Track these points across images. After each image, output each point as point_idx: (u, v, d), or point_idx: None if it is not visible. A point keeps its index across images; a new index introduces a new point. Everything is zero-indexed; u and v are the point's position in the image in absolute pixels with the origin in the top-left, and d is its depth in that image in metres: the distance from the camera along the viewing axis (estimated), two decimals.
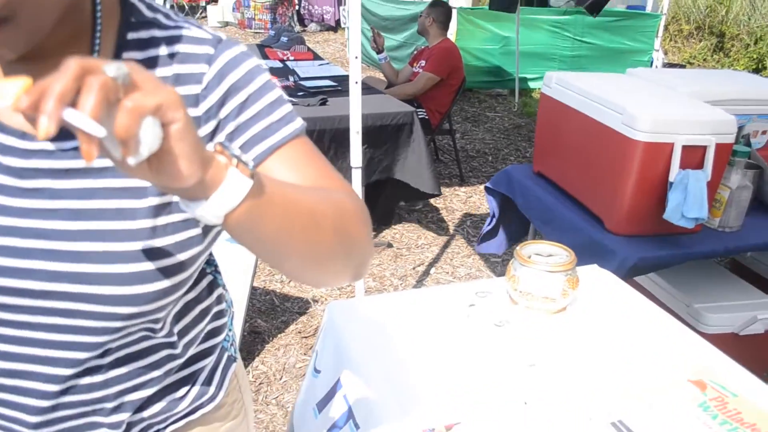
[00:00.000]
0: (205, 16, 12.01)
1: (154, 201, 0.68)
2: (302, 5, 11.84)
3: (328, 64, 4.77)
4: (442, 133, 4.72)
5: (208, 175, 0.52)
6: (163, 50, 0.69)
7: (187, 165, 0.49)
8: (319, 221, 0.63)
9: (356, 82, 2.23)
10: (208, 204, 0.53)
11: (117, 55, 0.68)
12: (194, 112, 0.69)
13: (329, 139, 3.24)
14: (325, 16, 11.46)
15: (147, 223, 0.68)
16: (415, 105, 4.02)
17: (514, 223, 2.69)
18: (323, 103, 3.47)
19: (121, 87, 0.46)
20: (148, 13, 0.71)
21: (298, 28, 11.29)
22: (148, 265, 0.68)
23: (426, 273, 3.31)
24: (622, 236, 2.05)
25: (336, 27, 11.36)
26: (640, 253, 1.97)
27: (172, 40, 0.70)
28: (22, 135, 0.66)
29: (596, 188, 2.15)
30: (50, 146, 0.66)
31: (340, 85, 3.94)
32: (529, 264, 1.57)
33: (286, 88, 3.78)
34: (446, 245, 3.62)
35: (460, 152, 4.89)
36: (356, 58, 2.23)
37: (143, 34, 0.69)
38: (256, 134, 0.70)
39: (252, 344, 2.69)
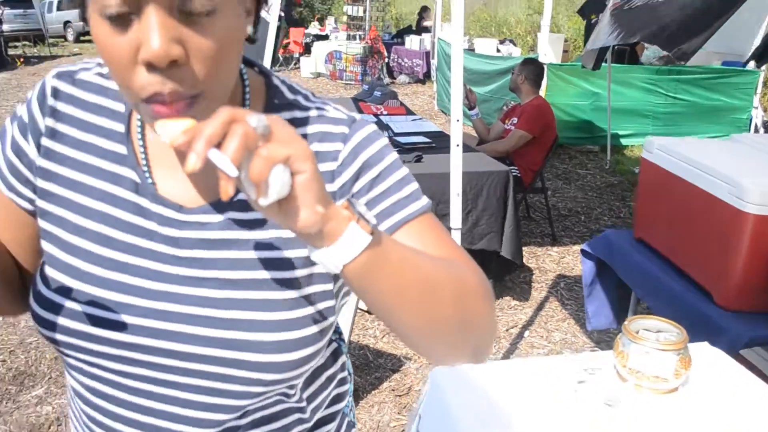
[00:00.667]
0: (299, 67, 12.53)
1: (298, 273, 0.73)
2: (392, 57, 12.18)
3: (420, 119, 4.88)
4: (534, 190, 4.71)
5: (329, 226, 0.57)
6: (303, 130, 0.75)
7: (309, 214, 0.56)
8: (436, 289, 0.66)
9: (457, 145, 2.30)
10: (327, 252, 0.58)
11: None
12: (330, 187, 0.73)
13: (427, 196, 3.30)
14: (414, 69, 11.72)
15: (291, 294, 0.73)
16: (507, 162, 4.05)
17: (612, 290, 2.65)
18: (418, 160, 3.55)
19: (260, 136, 0.53)
20: (289, 95, 0.78)
21: (387, 80, 11.59)
22: (292, 334, 0.73)
23: (520, 336, 3.28)
24: (733, 312, 1.98)
25: (425, 79, 11.59)
26: (754, 330, 1.90)
27: (311, 121, 0.76)
28: (179, 208, 0.73)
29: (704, 260, 2.09)
30: (203, 218, 0.73)
31: (434, 142, 4.02)
32: (639, 341, 1.54)
33: None
34: (540, 307, 3.58)
35: (551, 210, 4.85)
36: (458, 121, 2.30)
37: (286, 114, 0.75)
38: (386, 209, 0.74)
39: None
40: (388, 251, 0.61)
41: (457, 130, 2.29)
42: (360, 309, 2.80)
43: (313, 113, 0.76)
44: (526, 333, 3.31)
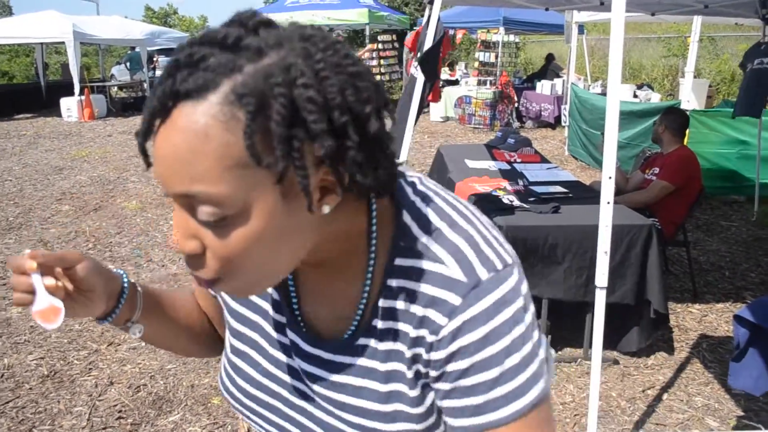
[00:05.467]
0: (428, 112, 12.76)
1: (390, 387, 0.77)
2: (521, 102, 12.13)
3: (555, 167, 4.82)
4: (675, 243, 4.48)
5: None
6: (415, 285, 0.73)
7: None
8: None
9: (608, 202, 2.25)
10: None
11: (385, 279, 0.75)
12: (425, 355, 0.73)
13: (563, 250, 3.25)
14: (543, 113, 11.61)
15: (385, 407, 0.78)
16: (646, 214, 3.89)
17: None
18: (555, 210, 3.50)
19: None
20: (418, 236, 0.74)
21: (516, 124, 11.54)
22: None
23: (658, 398, 3.10)
24: None
25: (555, 124, 11.43)
26: None
27: (427, 277, 0.72)
28: (315, 342, 0.83)
29: None
30: (328, 355, 0.82)
31: (571, 192, 3.95)
32: None
33: (516, 193, 3.88)
34: (680, 369, 3.37)
35: (692, 264, 4.59)
36: (610, 178, 2.26)
37: (409, 261, 0.73)
38: (467, 407, 0.71)
39: None
40: None
41: (609, 186, 2.25)
42: None
43: (434, 267, 0.72)
44: (665, 396, 3.13)
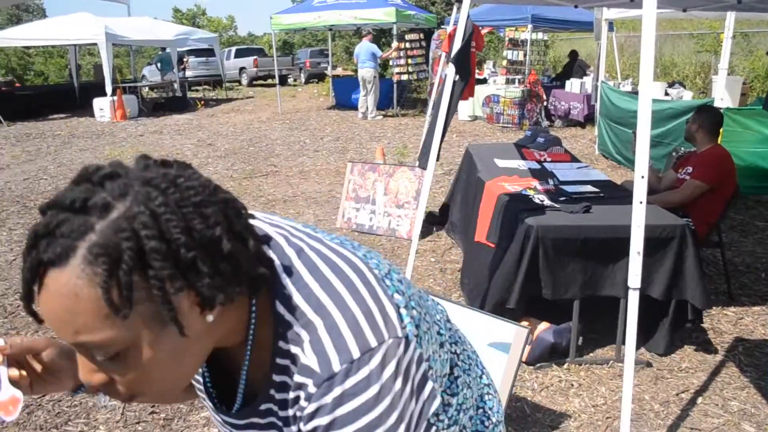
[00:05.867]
0: (456, 112, 12.71)
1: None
2: (550, 101, 12.02)
3: (586, 167, 4.77)
4: (709, 244, 4.40)
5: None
6: (292, 374, 0.82)
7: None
8: None
9: (641, 202, 2.22)
10: None
11: (270, 372, 0.84)
12: (298, 426, 0.84)
13: (594, 250, 3.22)
14: (572, 112, 11.49)
15: None
16: (679, 214, 3.83)
17: None
18: (587, 210, 3.46)
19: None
20: (290, 326, 0.82)
21: (545, 123, 11.44)
22: None
23: (692, 402, 3.05)
24: None
25: (584, 123, 11.31)
26: None
27: (300, 366, 0.81)
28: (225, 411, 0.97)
29: None
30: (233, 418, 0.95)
31: (603, 192, 3.90)
32: None
33: (546, 192, 3.85)
34: (715, 372, 3.31)
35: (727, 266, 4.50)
36: (642, 177, 2.23)
37: (285, 348, 0.82)
38: None
39: None
40: None
41: (642, 186, 2.22)
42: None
43: (301, 357, 0.81)
44: (699, 399, 3.07)
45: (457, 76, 3.89)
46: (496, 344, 2.66)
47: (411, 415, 0.82)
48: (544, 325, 3.39)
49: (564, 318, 3.37)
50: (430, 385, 0.87)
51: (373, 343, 0.79)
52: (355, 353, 0.78)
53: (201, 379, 0.97)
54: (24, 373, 0.90)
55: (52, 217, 0.69)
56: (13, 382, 0.88)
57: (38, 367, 0.92)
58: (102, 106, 14.52)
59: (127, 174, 0.72)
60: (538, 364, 3.32)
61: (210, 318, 0.75)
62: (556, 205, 3.56)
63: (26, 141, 11.70)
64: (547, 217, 3.39)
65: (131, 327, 0.70)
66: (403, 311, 0.85)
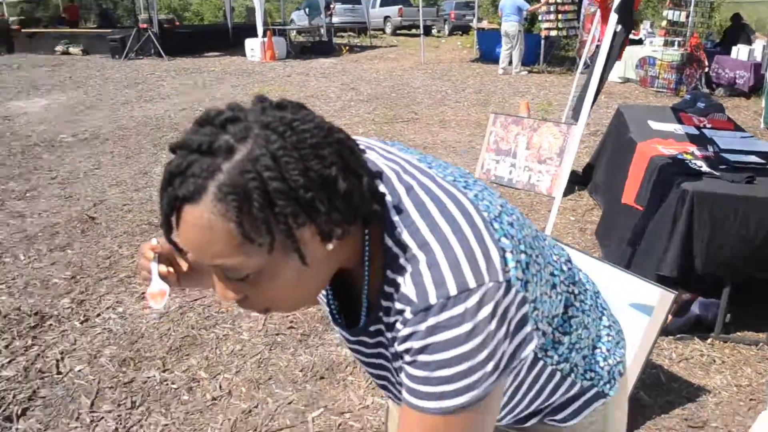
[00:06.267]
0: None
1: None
2: (712, 67, 11.13)
3: (751, 137, 4.40)
4: None
5: None
6: (396, 299, 0.87)
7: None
8: None
9: None
10: None
11: (379, 297, 0.91)
12: (393, 346, 0.91)
13: (756, 225, 2.99)
14: (737, 81, 10.57)
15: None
16: None
17: None
18: (749, 181, 3.21)
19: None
20: (396, 257, 0.86)
21: (705, 90, 10.63)
22: None
23: None
24: None
25: (749, 93, 10.38)
26: None
27: (401, 293, 0.86)
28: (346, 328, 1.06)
29: None
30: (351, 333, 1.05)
31: None
32: None
33: (705, 159, 3.60)
34: None
35: None
36: None
37: (391, 276, 0.87)
38: (404, 384, 0.89)
39: (632, 416, 2.61)
40: None
41: None
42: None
43: (403, 286, 0.86)
44: None
45: (620, 26, 3.68)
46: (638, 305, 2.57)
47: (502, 355, 0.85)
48: (691, 296, 3.22)
49: (712, 293, 3.18)
50: (528, 328, 0.89)
51: (472, 284, 0.82)
52: (452, 291, 0.82)
53: (324, 294, 1.06)
54: (171, 269, 1.06)
55: (182, 157, 0.77)
56: (162, 277, 1.03)
57: (184, 265, 1.08)
58: (253, 46, 15.17)
59: (246, 117, 0.78)
60: (679, 335, 3.17)
61: (330, 246, 0.82)
62: (715, 173, 3.33)
63: (184, 75, 12.50)
64: (705, 183, 3.18)
65: (260, 255, 0.78)
66: (508, 255, 0.87)
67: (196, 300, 3.43)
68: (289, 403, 2.69)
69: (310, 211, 0.77)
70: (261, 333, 3.15)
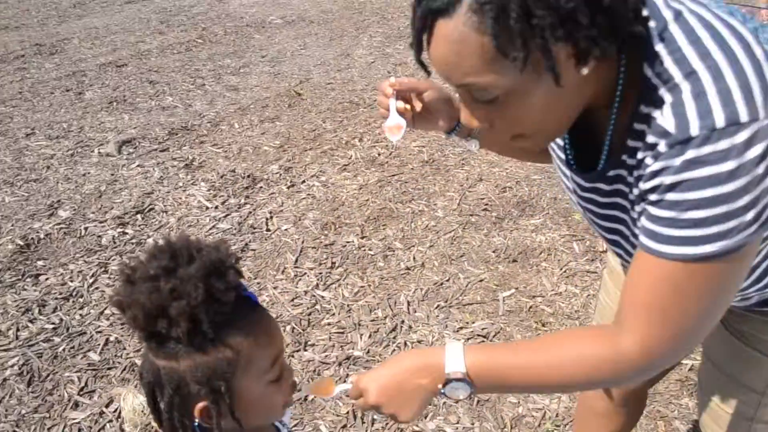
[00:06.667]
0: None
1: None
2: None
3: None
4: None
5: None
6: (648, 130, 0.79)
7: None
8: (543, 387, 1.01)
9: None
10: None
11: (625, 137, 0.84)
12: (638, 185, 0.83)
13: None
14: None
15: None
16: None
17: None
18: None
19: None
20: (656, 88, 0.78)
21: None
22: None
23: None
24: None
25: None
26: None
27: (654, 125, 0.78)
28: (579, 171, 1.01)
29: None
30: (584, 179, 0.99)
31: None
32: None
33: None
34: None
35: None
36: None
37: (645, 109, 0.79)
38: (646, 228, 0.82)
39: None
40: (488, 388, 0.91)
41: None
42: None
43: (659, 118, 0.77)
44: None
45: None
46: None
47: (764, 207, 0.75)
48: None
49: None
50: None
51: (744, 118, 0.71)
52: (720, 123, 0.72)
53: (560, 142, 1.02)
54: (408, 107, 1.08)
55: None
56: (399, 113, 1.07)
57: (418, 105, 1.10)
58: None
59: None
60: None
61: (584, 71, 0.76)
62: None
63: None
64: None
65: (512, 73, 0.74)
66: None
67: (393, 176, 3.49)
68: (481, 280, 2.68)
69: (570, 24, 0.70)
70: (455, 212, 3.14)
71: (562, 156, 1.02)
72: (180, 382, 0.80)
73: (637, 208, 0.86)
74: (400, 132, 1.06)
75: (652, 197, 0.79)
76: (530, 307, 2.52)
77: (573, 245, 2.87)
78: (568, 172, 1.02)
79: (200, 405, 0.83)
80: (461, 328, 2.41)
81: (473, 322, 2.44)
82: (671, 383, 2.15)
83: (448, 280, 2.68)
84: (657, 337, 0.82)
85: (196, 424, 0.85)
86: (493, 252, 2.85)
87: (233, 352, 0.80)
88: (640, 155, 0.81)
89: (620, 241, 0.99)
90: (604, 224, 0.99)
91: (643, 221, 0.82)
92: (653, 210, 0.80)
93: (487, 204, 3.19)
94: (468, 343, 2.15)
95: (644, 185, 0.81)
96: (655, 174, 0.78)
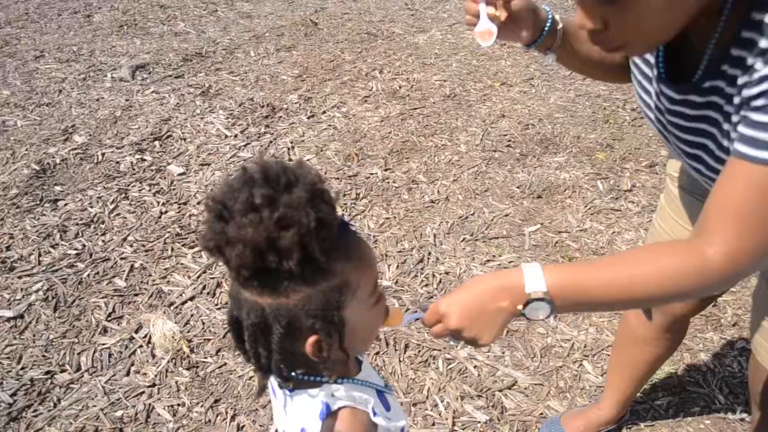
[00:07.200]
0: None
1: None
2: None
3: None
4: None
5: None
6: (760, 38, 0.79)
7: None
8: (627, 302, 0.97)
9: None
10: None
11: (729, 46, 0.84)
12: (742, 92, 0.83)
13: None
14: None
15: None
16: None
17: None
18: None
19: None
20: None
21: None
22: None
23: None
24: None
25: None
26: None
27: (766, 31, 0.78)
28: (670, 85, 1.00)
29: None
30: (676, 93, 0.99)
31: None
32: None
33: None
34: None
35: None
36: None
37: (751, 34, 0.80)
38: (744, 135, 0.82)
39: None
40: (569, 306, 0.91)
41: None
42: None
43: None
44: None
45: None
46: None
47: None
48: None
49: None
50: None
51: None
52: None
53: (649, 57, 1.03)
54: (498, 13, 1.07)
55: None
56: (489, 19, 1.06)
57: (503, 15, 1.07)
58: None
59: None
60: None
61: None
62: None
63: None
64: None
65: None
66: None
67: (415, 109, 3.43)
68: (506, 215, 2.68)
69: None
70: (478, 147, 3.11)
71: (649, 71, 1.02)
72: (291, 318, 0.75)
73: (735, 119, 0.86)
74: (492, 38, 1.05)
75: (757, 102, 0.79)
76: (556, 242, 2.52)
77: (597, 183, 2.86)
78: (653, 88, 1.01)
79: (312, 339, 0.77)
80: (488, 261, 2.42)
81: (500, 255, 2.45)
82: (696, 318, 2.18)
83: (473, 214, 2.67)
84: (745, 245, 0.82)
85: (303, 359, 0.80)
86: (518, 188, 2.83)
87: (341, 279, 0.75)
88: (749, 61, 0.81)
89: (702, 156, 0.99)
90: (690, 138, 0.99)
91: (742, 129, 0.82)
92: (756, 116, 0.80)
93: (510, 140, 3.15)
94: None
95: (750, 91, 0.80)
96: (763, 79, 0.78)
